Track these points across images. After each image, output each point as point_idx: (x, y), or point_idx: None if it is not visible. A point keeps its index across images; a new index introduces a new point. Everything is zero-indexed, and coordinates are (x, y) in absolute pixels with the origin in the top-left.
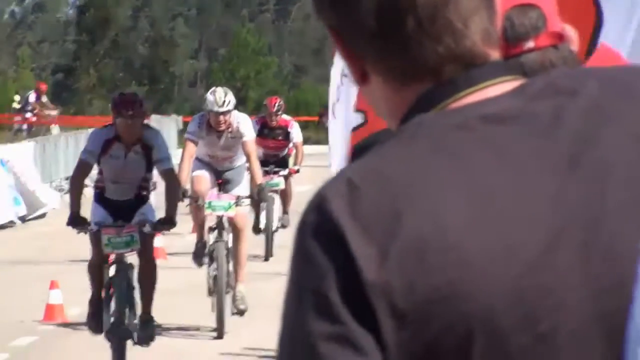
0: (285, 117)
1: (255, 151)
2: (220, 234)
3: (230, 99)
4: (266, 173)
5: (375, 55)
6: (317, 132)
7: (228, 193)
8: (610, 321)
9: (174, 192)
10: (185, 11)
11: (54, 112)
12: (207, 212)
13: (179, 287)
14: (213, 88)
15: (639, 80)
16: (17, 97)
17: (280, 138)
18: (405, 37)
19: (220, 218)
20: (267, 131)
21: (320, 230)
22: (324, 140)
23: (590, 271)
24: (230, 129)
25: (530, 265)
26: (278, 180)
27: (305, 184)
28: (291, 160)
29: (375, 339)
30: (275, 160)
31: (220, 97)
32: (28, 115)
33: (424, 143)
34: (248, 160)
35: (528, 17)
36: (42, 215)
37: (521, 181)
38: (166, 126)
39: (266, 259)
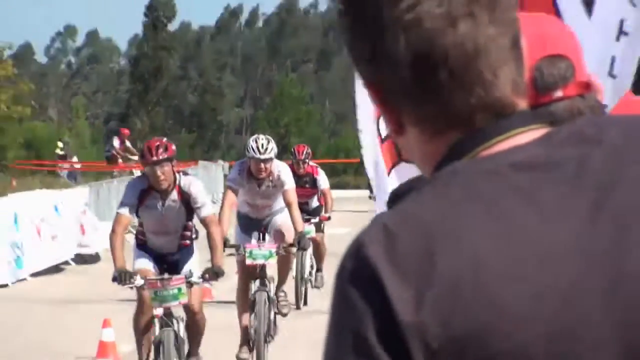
0: (311, 164)
1: (296, 200)
2: (262, 283)
3: (272, 146)
4: None
5: (411, 106)
6: (355, 177)
7: (271, 233)
8: (633, 353)
9: (217, 240)
10: (231, 61)
11: (136, 157)
12: (247, 261)
13: (221, 325)
14: (255, 135)
15: None
16: (60, 144)
17: (307, 186)
18: (439, 87)
19: (262, 267)
20: (295, 179)
21: (358, 275)
22: (363, 185)
23: (615, 307)
24: (271, 178)
25: (563, 313)
26: (309, 229)
27: (345, 227)
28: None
29: None
30: (305, 208)
31: (263, 145)
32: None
33: (457, 190)
34: (289, 209)
35: (557, 67)
36: (97, 257)
37: (548, 227)
38: (213, 172)
39: (297, 307)
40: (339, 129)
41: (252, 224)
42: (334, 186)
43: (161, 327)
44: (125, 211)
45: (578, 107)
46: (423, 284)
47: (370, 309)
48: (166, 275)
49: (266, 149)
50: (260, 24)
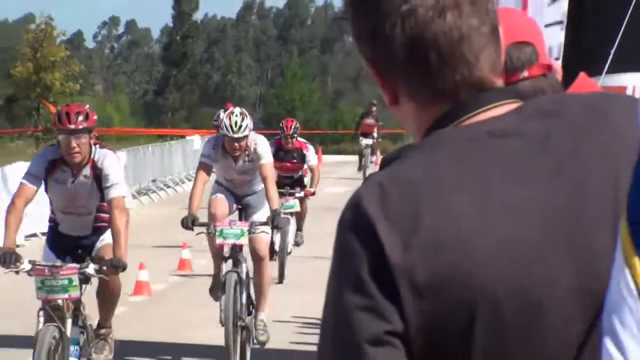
0: (300, 139)
1: (272, 175)
2: (235, 264)
3: (247, 123)
4: (281, 195)
5: (405, 81)
6: (352, 144)
7: (248, 219)
8: (588, 299)
9: (121, 228)
10: (249, 46)
11: None
12: (218, 240)
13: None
14: (230, 109)
15: (610, 104)
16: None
17: (295, 160)
18: (429, 67)
19: (234, 246)
20: (283, 154)
21: (357, 225)
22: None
23: (573, 260)
24: (247, 152)
25: (525, 255)
26: (293, 202)
27: (342, 187)
28: (307, 182)
29: (398, 311)
30: (289, 182)
31: (236, 122)
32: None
33: (442, 153)
34: (264, 184)
35: (523, 52)
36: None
37: (519, 187)
38: None
39: (280, 281)
40: (338, 104)
41: (232, 198)
42: (333, 152)
43: (45, 322)
44: (28, 181)
45: (541, 86)
46: (410, 233)
47: (366, 253)
48: (58, 263)
49: (240, 126)
50: (271, 16)
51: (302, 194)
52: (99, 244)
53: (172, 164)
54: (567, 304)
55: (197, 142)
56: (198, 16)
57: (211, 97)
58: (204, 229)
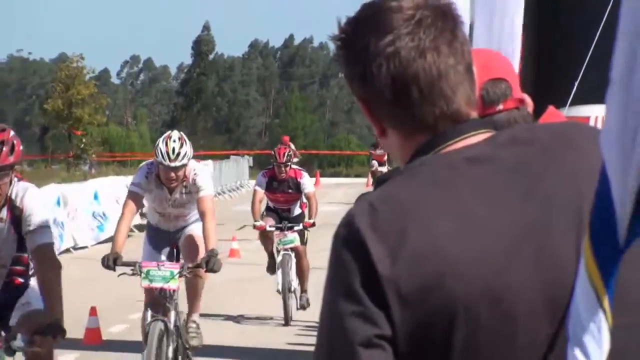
0: (295, 167)
1: (212, 211)
2: (162, 311)
3: (186, 150)
4: (279, 230)
5: (391, 116)
6: (346, 168)
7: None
8: (554, 306)
9: (53, 281)
10: (255, 82)
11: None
12: (143, 283)
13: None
14: (168, 133)
15: (576, 132)
16: None
17: (290, 190)
18: (411, 102)
19: (161, 291)
20: (277, 184)
21: (349, 240)
22: (352, 174)
23: (541, 270)
24: (185, 183)
25: (497, 266)
26: (292, 237)
27: (339, 205)
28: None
29: (386, 317)
30: (287, 216)
31: (174, 149)
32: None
33: (423, 178)
34: (202, 220)
35: (499, 87)
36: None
37: (492, 206)
38: (241, 163)
39: (285, 323)
40: (334, 132)
41: (163, 237)
42: (330, 175)
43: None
44: None
45: (514, 117)
46: (396, 247)
47: (357, 265)
48: None
49: (178, 154)
50: (275, 55)
51: (300, 226)
52: (22, 309)
53: None
54: (536, 310)
55: (210, 166)
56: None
57: (221, 125)
58: (127, 270)
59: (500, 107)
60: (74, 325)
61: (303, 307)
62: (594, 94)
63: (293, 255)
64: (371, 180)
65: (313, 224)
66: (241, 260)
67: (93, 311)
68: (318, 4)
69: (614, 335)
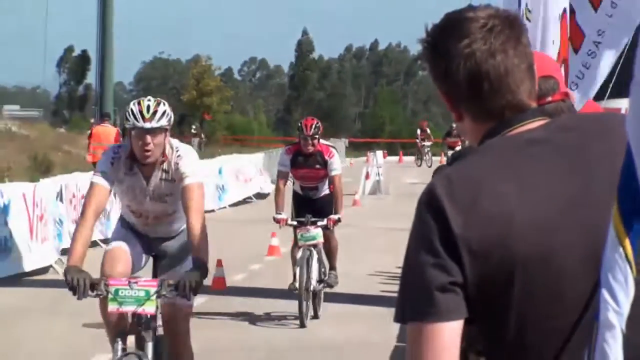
0: (324, 142)
1: (200, 205)
2: (136, 343)
3: (165, 110)
4: (301, 224)
5: (466, 105)
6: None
7: (164, 274)
8: (594, 261)
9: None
10: (350, 78)
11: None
12: (111, 306)
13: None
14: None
15: (612, 121)
16: (193, 127)
17: (318, 166)
18: (483, 94)
19: (133, 315)
20: (302, 159)
21: (430, 205)
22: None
23: (583, 233)
24: (164, 167)
25: (549, 230)
26: (315, 233)
27: (414, 178)
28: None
29: (459, 268)
30: (313, 196)
31: (149, 107)
32: None
33: (492, 156)
34: (187, 216)
35: (549, 83)
36: (267, 194)
37: (546, 180)
38: (339, 145)
39: (301, 325)
40: (415, 120)
41: (141, 239)
42: (411, 154)
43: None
44: None
45: (561, 107)
46: (468, 212)
47: (437, 225)
48: None
49: (154, 112)
50: (364, 56)
51: (324, 222)
52: None
53: None
54: (578, 265)
55: None
56: (315, 55)
57: (323, 113)
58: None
59: (550, 99)
60: None
61: (330, 286)
62: (625, 88)
63: (315, 252)
64: (444, 159)
65: (338, 220)
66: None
67: (219, 263)
68: (398, 13)
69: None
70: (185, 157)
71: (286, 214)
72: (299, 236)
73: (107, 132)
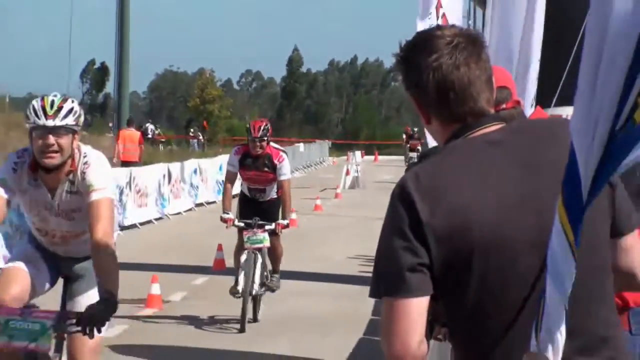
0: (274, 146)
1: (109, 220)
2: None
3: (73, 107)
4: (248, 227)
5: (435, 110)
6: (397, 149)
7: (75, 298)
8: (542, 246)
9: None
10: (333, 89)
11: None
12: (0, 340)
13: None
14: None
15: (559, 126)
16: (191, 129)
17: (266, 169)
18: (449, 101)
19: (27, 350)
20: (250, 161)
21: (402, 197)
22: (398, 153)
23: (533, 222)
24: (71, 176)
25: (504, 219)
26: (262, 236)
27: (390, 175)
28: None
29: (426, 251)
30: (260, 198)
31: (53, 102)
32: None
33: (455, 155)
34: (91, 234)
35: (502, 92)
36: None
37: (502, 176)
38: (323, 146)
39: (241, 329)
40: (388, 124)
41: (49, 258)
42: (385, 154)
43: None
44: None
45: (512, 114)
46: (434, 203)
47: (407, 214)
48: None
49: (59, 109)
50: (345, 69)
51: (272, 226)
52: None
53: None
54: (528, 250)
55: (302, 147)
56: (302, 69)
57: (309, 120)
58: None
59: (504, 106)
60: (208, 256)
61: (272, 290)
62: (570, 97)
63: (260, 255)
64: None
65: (286, 225)
66: (323, 212)
67: (220, 247)
68: (374, 32)
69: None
70: (93, 166)
71: (233, 214)
72: (245, 239)
73: (132, 135)
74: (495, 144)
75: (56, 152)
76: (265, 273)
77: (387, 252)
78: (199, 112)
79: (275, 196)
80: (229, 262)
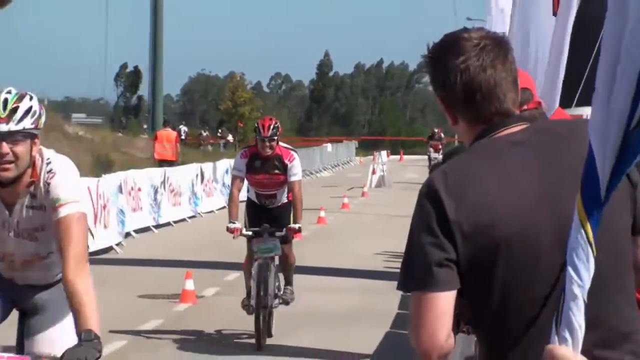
0: (284, 145)
1: (82, 243)
2: None
3: (30, 106)
4: (257, 235)
5: (461, 111)
6: (421, 148)
7: (36, 337)
8: (563, 243)
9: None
10: (361, 91)
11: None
12: None
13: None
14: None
15: (582, 127)
16: (219, 130)
17: (277, 171)
18: (476, 102)
19: None
20: (259, 163)
21: (429, 195)
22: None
23: (555, 219)
24: (32, 188)
25: (527, 215)
26: (273, 244)
27: (415, 174)
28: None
29: (453, 247)
30: (270, 204)
31: (6, 100)
32: None
33: (480, 155)
34: (63, 257)
35: (524, 94)
36: None
37: (525, 175)
38: (350, 146)
39: (258, 348)
40: (413, 125)
41: (6, 289)
42: (410, 153)
43: None
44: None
45: (534, 114)
46: (460, 201)
47: (435, 212)
48: None
49: (14, 109)
50: (369, 72)
51: (283, 232)
52: None
53: (314, 160)
54: (550, 247)
55: (329, 147)
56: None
57: (337, 120)
58: None
59: (525, 107)
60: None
61: (286, 302)
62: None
63: (272, 265)
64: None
65: (298, 230)
66: (350, 210)
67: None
68: (399, 36)
69: (599, 252)
70: (59, 175)
71: (241, 223)
72: (254, 248)
73: (169, 135)
74: (519, 144)
75: (11, 162)
76: (277, 283)
77: (415, 247)
78: (231, 115)
79: (286, 200)
80: None
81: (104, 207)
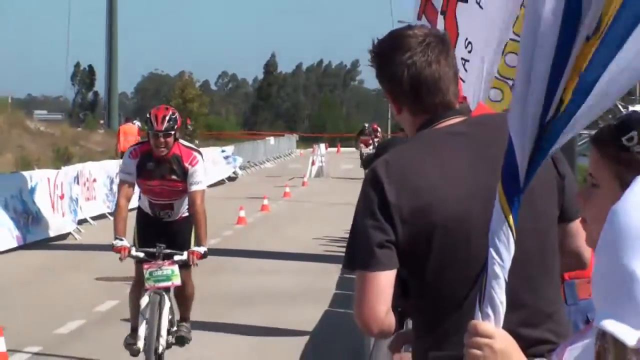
0: (185, 144)
1: None
2: None
3: None
4: (151, 257)
5: (407, 102)
6: (354, 142)
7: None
8: (488, 226)
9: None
10: (301, 88)
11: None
12: None
13: None
14: None
15: (501, 120)
16: (189, 125)
17: (174, 177)
18: (422, 95)
19: None
20: (152, 165)
21: (373, 181)
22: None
23: (485, 204)
24: None
25: (462, 200)
26: (170, 271)
27: (349, 164)
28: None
29: (393, 229)
30: (166, 216)
31: None
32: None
33: (422, 144)
34: None
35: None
36: (234, 179)
37: (462, 162)
38: (291, 139)
39: None
40: (349, 119)
41: None
42: (346, 147)
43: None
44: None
45: (461, 108)
46: (400, 187)
47: (377, 196)
48: None
49: None
50: (310, 71)
51: (184, 256)
52: None
53: (258, 152)
54: (482, 229)
55: (272, 140)
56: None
57: (280, 116)
58: None
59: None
60: None
61: (182, 342)
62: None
63: (167, 298)
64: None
65: (204, 255)
66: (292, 198)
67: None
68: (337, 38)
69: (526, 238)
70: None
71: (129, 241)
72: (146, 275)
73: (132, 129)
74: (458, 135)
75: None
76: (170, 317)
77: (359, 230)
78: (180, 111)
79: (187, 213)
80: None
81: (62, 197)
